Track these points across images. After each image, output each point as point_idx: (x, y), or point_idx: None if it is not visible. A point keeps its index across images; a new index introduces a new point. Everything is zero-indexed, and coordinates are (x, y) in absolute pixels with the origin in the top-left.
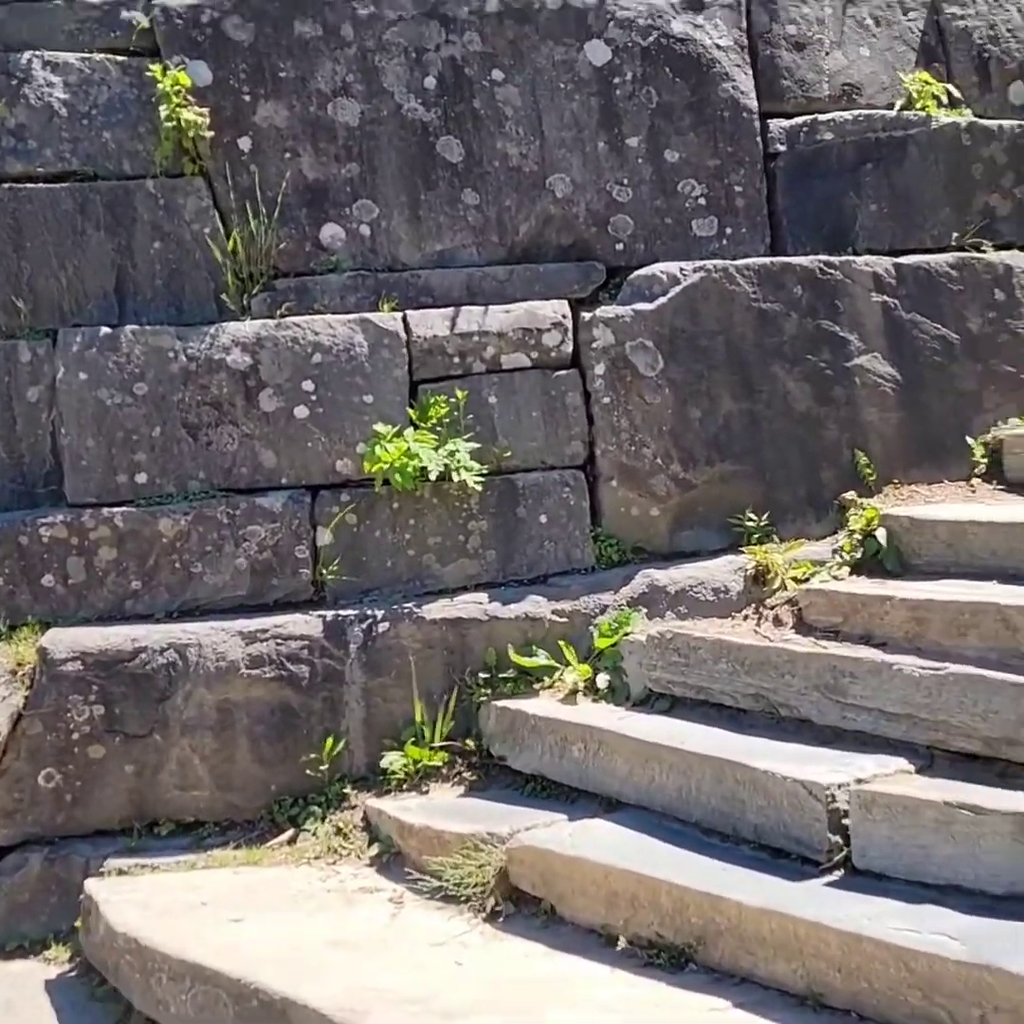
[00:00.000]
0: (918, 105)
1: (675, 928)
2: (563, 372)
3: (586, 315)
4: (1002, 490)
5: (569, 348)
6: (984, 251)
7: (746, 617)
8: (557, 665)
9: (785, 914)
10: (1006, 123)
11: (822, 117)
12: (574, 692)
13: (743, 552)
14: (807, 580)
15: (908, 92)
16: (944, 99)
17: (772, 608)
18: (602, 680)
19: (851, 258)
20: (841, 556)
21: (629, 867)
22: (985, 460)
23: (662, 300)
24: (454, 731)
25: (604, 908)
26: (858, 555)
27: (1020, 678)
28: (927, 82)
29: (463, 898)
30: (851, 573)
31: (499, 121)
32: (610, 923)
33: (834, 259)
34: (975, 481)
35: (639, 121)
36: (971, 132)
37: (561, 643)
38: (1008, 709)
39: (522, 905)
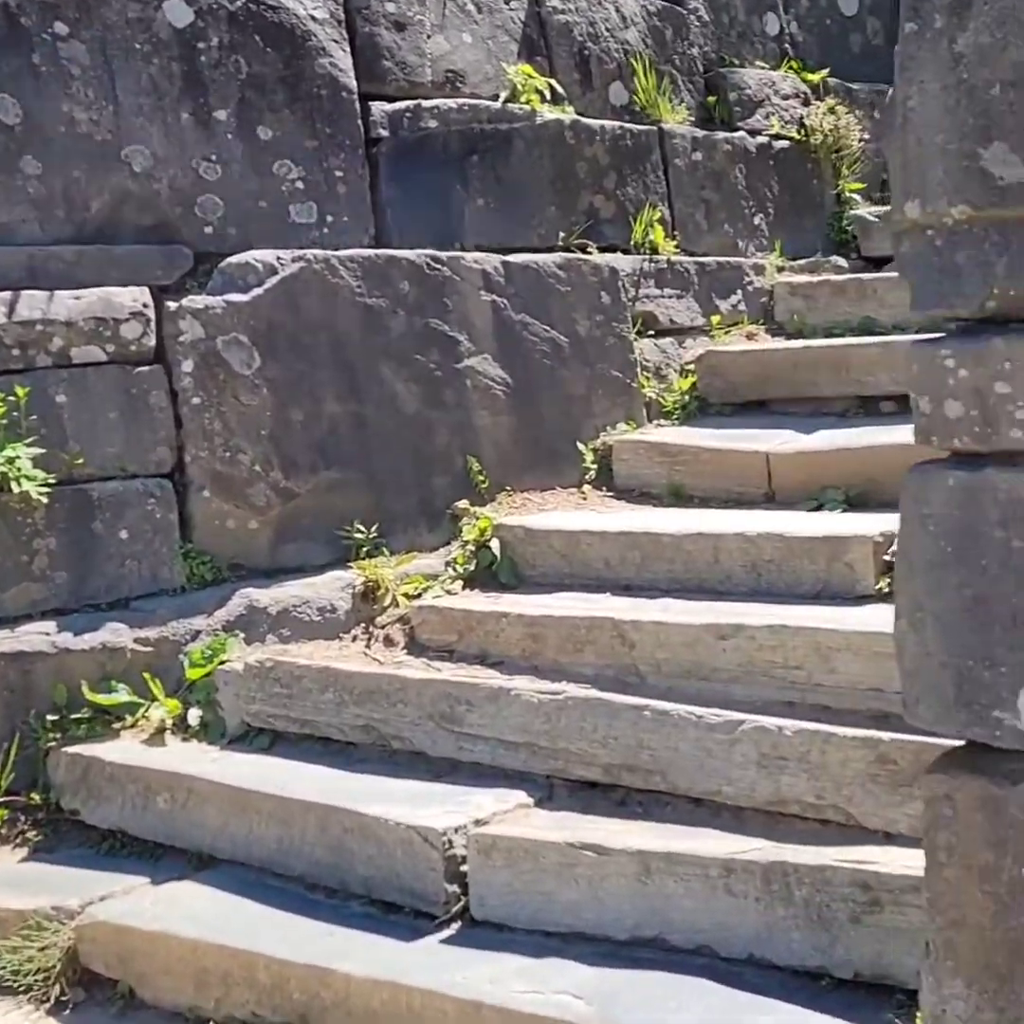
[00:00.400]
0: (522, 98)
1: (275, 1006)
2: (146, 368)
3: (172, 305)
4: (612, 497)
5: (152, 341)
6: (590, 253)
7: (356, 638)
8: (141, 701)
9: (398, 983)
10: (608, 123)
11: (426, 103)
12: (161, 731)
13: (352, 567)
14: (419, 596)
15: (513, 84)
16: (548, 94)
17: (383, 627)
18: (194, 716)
19: (460, 254)
20: (455, 569)
21: (221, 939)
22: (595, 466)
23: (258, 291)
24: (16, 783)
25: (193, 987)
26: (472, 567)
27: (638, 700)
28: (531, 75)
29: (22, 988)
30: (465, 587)
31: (64, 81)
32: (200, 1005)
33: (442, 254)
34: (587, 488)
35: (228, 92)
36: (575, 130)
37: (146, 676)
38: (627, 734)
39: (96, 989)
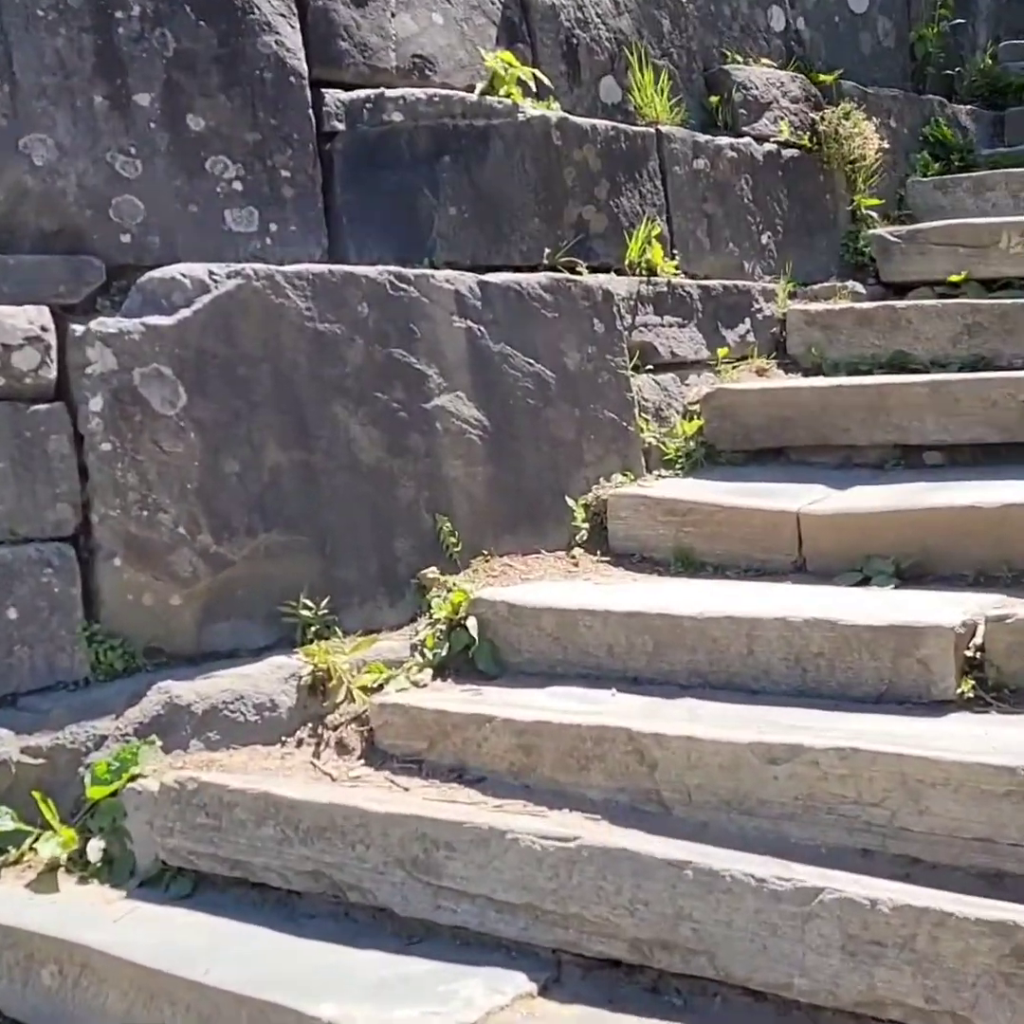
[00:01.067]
0: (502, 90)
1: None
2: (44, 406)
3: (78, 329)
4: (608, 562)
5: (52, 373)
6: (580, 273)
7: (301, 743)
8: (29, 829)
9: None
10: (599, 123)
11: (390, 93)
12: (53, 869)
13: (297, 652)
14: (380, 689)
15: (491, 73)
16: (532, 86)
17: (335, 729)
18: (95, 849)
19: (429, 271)
20: (423, 654)
21: None
22: (587, 525)
23: (186, 313)
24: None
25: None
26: (444, 652)
27: (676, 852)
28: (511, 64)
29: None
30: (436, 676)
31: None
32: None
33: (408, 272)
34: (577, 551)
35: (151, 73)
36: (563, 130)
37: (37, 795)
38: (661, 898)
39: None
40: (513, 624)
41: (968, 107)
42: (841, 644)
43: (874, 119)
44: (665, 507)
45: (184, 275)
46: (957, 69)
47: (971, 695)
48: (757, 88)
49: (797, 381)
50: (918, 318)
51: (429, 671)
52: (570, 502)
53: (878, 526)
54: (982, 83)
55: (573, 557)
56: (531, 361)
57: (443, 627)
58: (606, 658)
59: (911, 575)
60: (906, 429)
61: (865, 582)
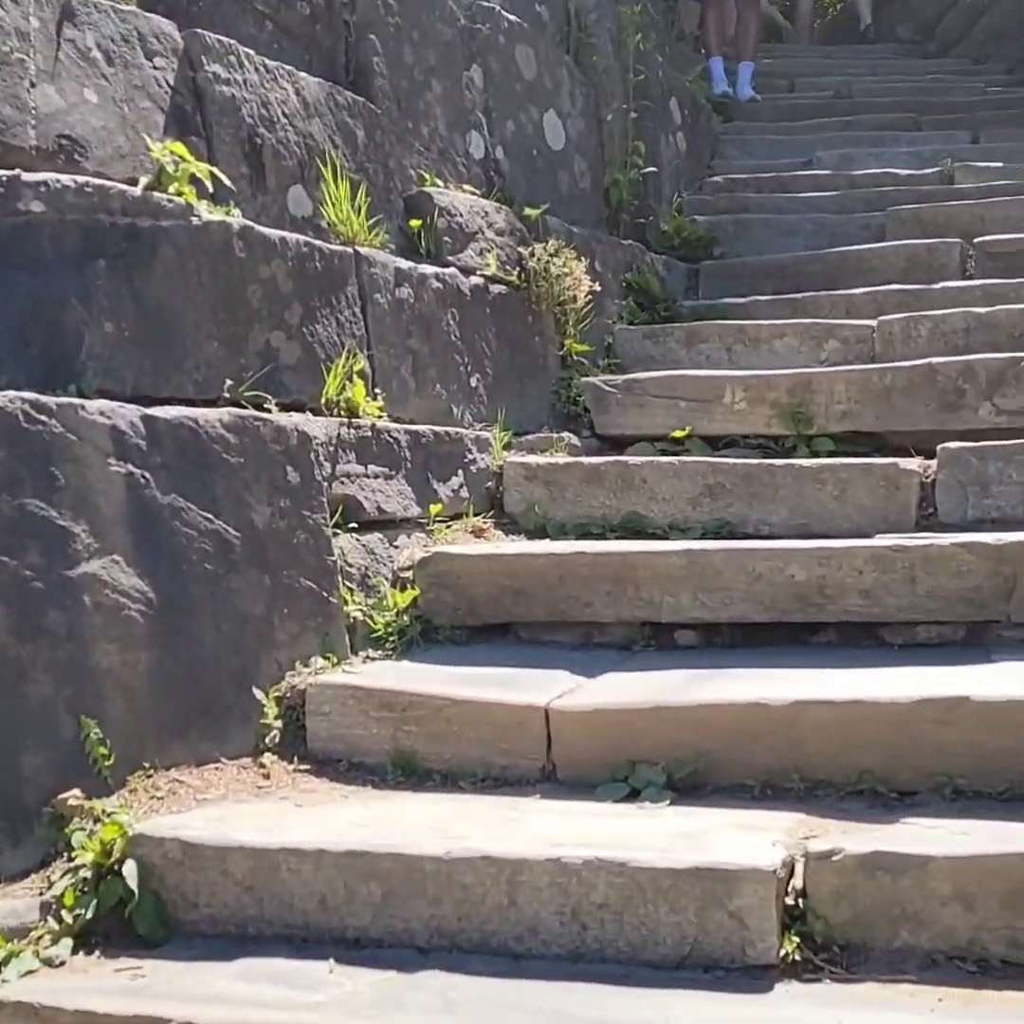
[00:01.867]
0: (172, 188)
1: None
2: None
3: None
4: (308, 772)
5: None
6: (269, 410)
7: None
8: None
9: None
10: (290, 236)
11: (28, 177)
12: None
13: None
14: None
15: (159, 166)
16: (209, 186)
17: None
18: None
19: (77, 401)
20: (59, 916)
21: None
22: (280, 723)
23: None
24: None
25: None
26: (89, 912)
27: None
28: (183, 158)
29: None
30: (78, 948)
31: None
32: None
33: (49, 400)
34: (269, 758)
35: None
36: (247, 241)
37: None
38: None
39: None
40: (189, 869)
41: (664, 257)
42: (633, 893)
43: (583, 260)
44: (379, 699)
45: None
46: (650, 218)
47: (797, 957)
48: (462, 215)
49: (528, 546)
50: (654, 476)
51: (68, 942)
52: (259, 694)
53: (645, 726)
54: (673, 234)
55: (263, 766)
56: (210, 517)
57: (89, 875)
58: (318, 914)
59: (686, 786)
60: (657, 605)
61: (633, 795)
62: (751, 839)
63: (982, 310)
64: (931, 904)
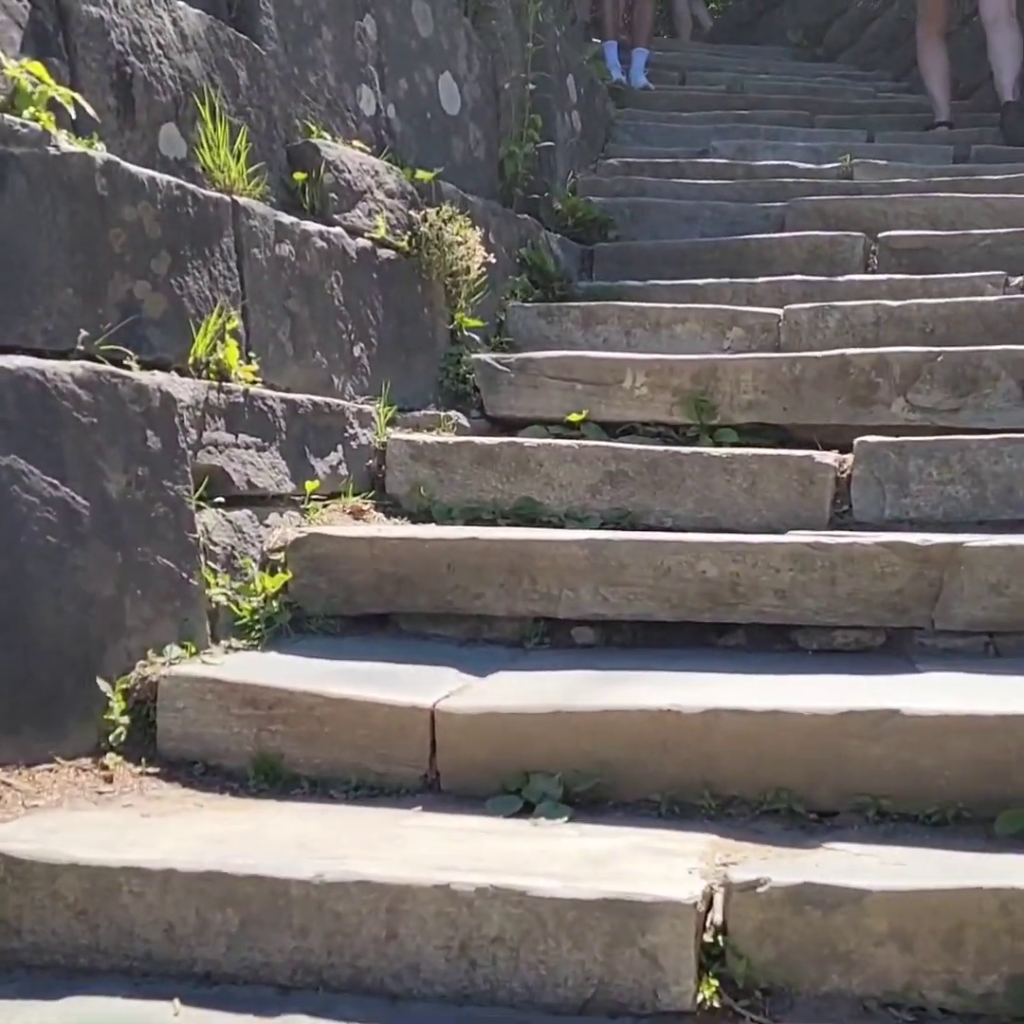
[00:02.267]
0: (27, 112)
1: None
2: None
3: None
4: (157, 775)
5: None
6: (129, 367)
7: None
8: None
9: None
10: (161, 178)
11: None
12: None
13: None
14: None
15: (13, 85)
16: (71, 112)
17: None
18: None
19: None
20: None
21: None
22: (127, 719)
23: None
24: None
25: None
26: None
27: None
28: (42, 80)
29: None
30: None
31: None
32: None
33: None
34: (112, 758)
35: None
36: (111, 178)
37: None
38: None
39: None
40: (12, 889)
41: (558, 236)
42: (532, 926)
43: (478, 229)
44: (242, 695)
45: None
46: (544, 195)
47: (716, 1004)
48: (350, 172)
49: (413, 530)
50: (551, 461)
51: None
52: (104, 686)
53: (542, 733)
54: (567, 214)
55: (106, 768)
56: (56, 483)
57: None
58: (164, 944)
59: (585, 801)
60: (555, 599)
61: (527, 810)
62: (664, 865)
63: (894, 304)
64: (865, 944)
